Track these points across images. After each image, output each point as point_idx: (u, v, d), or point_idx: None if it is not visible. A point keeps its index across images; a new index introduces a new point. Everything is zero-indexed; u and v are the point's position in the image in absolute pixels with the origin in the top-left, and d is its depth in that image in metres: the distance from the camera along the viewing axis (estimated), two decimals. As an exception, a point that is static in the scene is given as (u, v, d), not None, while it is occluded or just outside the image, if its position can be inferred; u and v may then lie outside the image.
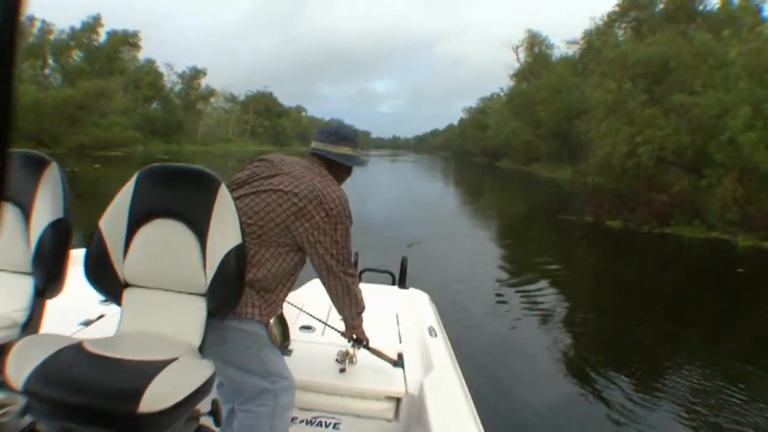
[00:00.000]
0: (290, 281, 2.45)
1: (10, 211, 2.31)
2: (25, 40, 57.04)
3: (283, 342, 2.75)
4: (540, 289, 9.22)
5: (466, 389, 2.78)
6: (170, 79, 74.30)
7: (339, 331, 2.81)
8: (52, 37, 60.19)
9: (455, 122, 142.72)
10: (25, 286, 2.29)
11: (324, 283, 2.50)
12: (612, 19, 44.52)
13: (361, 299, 2.61)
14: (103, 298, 2.43)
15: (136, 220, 2.17)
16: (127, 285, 2.21)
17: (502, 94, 75.70)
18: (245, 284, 2.25)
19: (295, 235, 2.32)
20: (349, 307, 2.59)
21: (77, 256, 2.30)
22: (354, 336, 2.74)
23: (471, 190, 36.31)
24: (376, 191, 25.32)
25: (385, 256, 10.19)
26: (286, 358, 2.67)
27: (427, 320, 3.64)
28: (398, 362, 2.93)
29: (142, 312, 2.20)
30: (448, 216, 19.90)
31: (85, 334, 2.82)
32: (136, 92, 63.05)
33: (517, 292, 9.01)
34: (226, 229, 2.12)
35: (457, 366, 3.05)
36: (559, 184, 36.30)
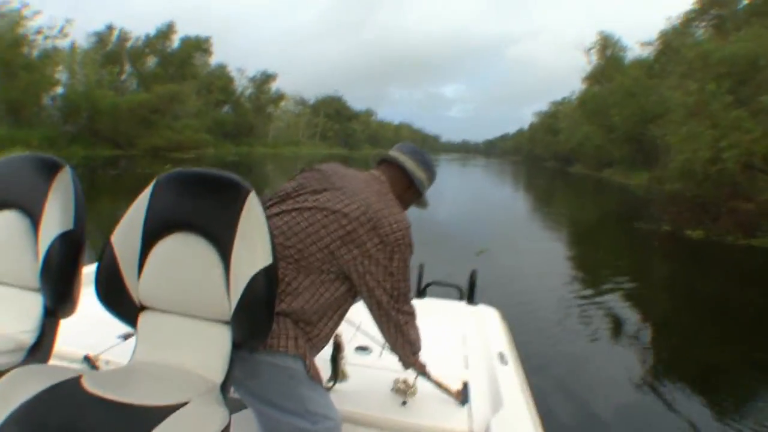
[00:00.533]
0: (337, 314, 2.09)
1: (18, 219, 2.05)
2: (105, 47, 59.57)
3: (334, 373, 2.40)
4: (616, 305, 8.59)
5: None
6: (241, 84, 75.86)
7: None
8: (128, 44, 62.37)
9: (525, 126, 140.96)
10: (34, 304, 2.01)
11: (374, 319, 2.13)
12: (689, 18, 42.79)
13: (417, 340, 2.24)
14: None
15: (152, 234, 1.84)
16: (143, 307, 1.90)
17: (573, 97, 74.32)
18: (280, 313, 1.91)
19: (341, 262, 1.97)
20: (402, 347, 2.21)
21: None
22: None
23: (542, 196, 35.28)
24: (445, 195, 24.80)
25: (453, 261, 9.89)
26: (337, 385, 2.36)
27: (498, 343, 3.23)
28: (463, 395, 2.53)
29: (159, 340, 1.87)
30: (519, 222, 19.22)
31: (110, 355, 2.56)
32: (208, 96, 64.63)
33: (591, 306, 8.41)
34: (253, 246, 1.77)
35: (531, 402, 2.64)
36: (633, 190, 34.83)
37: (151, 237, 1.84)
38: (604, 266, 11.73)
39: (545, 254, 12.78)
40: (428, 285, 3.97)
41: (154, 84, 53.98)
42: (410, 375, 2.50)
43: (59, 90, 49.11)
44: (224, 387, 1.78)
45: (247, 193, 1.77)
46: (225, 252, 1.77)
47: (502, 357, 2.99)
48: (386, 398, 2.49)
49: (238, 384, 1.95)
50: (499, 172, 68.41)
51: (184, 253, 1.81)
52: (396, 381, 2.54)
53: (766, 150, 14.51)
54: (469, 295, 3.93)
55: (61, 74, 50.84)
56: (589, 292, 9.26)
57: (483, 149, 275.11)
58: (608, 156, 54.10)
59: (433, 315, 3.61)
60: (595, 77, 60.84)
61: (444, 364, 2.66)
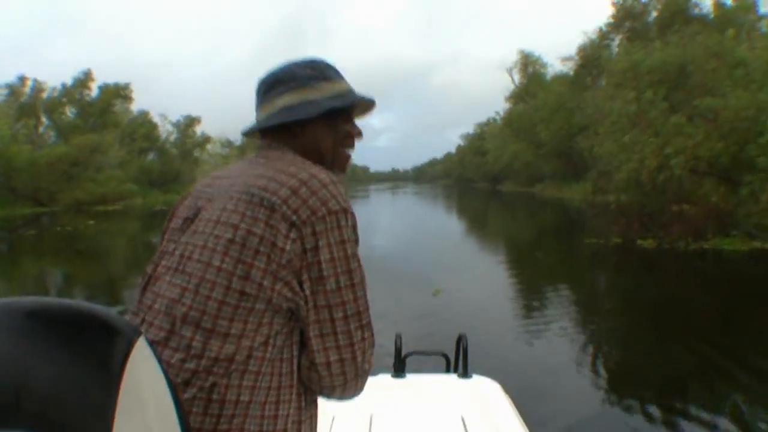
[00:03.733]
0: (308, 396, 1.25)
1: None
2: (18, 99, 57.13)
3: None
4: (590, 329, 8.18)
5: None
6: (165, 129, 73.95)
7: None
8: (44, 95, 60.17)
9: (453, 150, 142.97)
10: None
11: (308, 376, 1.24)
12: (604, 33, 44.43)
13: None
14: None
15: None
16: None
17: (498, 118, 75.88)
18: None
19: (269, 298, 1.14)
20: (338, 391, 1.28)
21: None
22: None
23: (480, 219, 35.04)
24: (380, 229, 23.80)
25: (408, 306, 9.21)
26: None
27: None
28: None
29: None
30: (465, 250, 18.59)
31: None
32: (132, 144, 62.71)
33: (570, 339, 7.88)
34: None
35: None
36: (567, 204, 35.27)
37: None
38: (571, 292, 11.25)
39: (503, 284, 12.20)
40: (407, 356, 3.20)
41: (73, 135, 51.95)
42: None
43: (-30, 148, 46.63)
44: None
45: (130, 342, 0.88)
46: None
47: None
48: None
49: None
50: (432, 197, 68.39)
51: None
52: None
53: (710, 153, 14.58)
54: (457, 364, 3.23)
55: (-29, 132, 48.44)
56: (563, 322, 8.70)
57: (412, 176, 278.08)
58: (538, 171, 55.12)
59: (419, 398, 2.89)
60: (518, 95, 62.18)
61: None
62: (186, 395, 1.10)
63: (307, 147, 1.35)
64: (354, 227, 1.21)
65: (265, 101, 1.38)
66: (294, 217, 1.14)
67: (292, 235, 1.14)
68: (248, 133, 1.43)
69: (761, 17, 29.93)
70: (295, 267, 1.14)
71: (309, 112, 1.32)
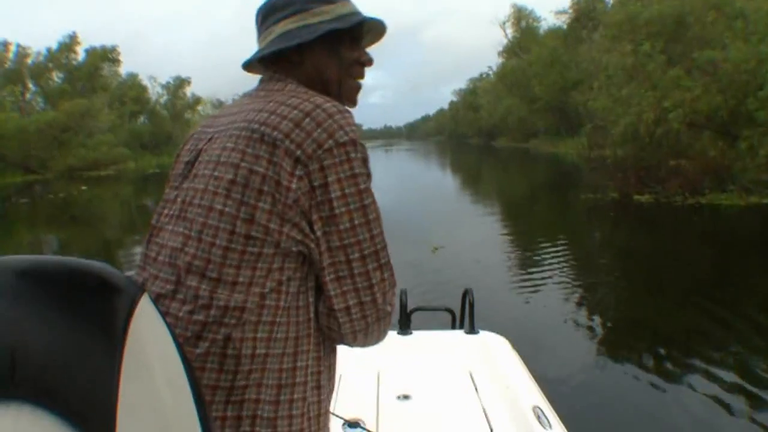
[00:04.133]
0: (327, 344, 1.18)
1: None
2: (3, 66, 56.19)
3: None
4: (595, 286, 8.20)
5: None
6: (155, 92, 73.19)
7: None
8: (29, 60, 59.19)
9: (446, 106, 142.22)
10: None
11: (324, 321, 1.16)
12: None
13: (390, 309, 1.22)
14: None
15: None
16: None
17: (491, 73, 75.39)
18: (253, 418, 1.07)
19: (276, 241, 1.06)
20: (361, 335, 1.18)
21: None
22: None
23: (475, 175, 34.96)
24: (373, 186, 23.47)
25: (410, 262, 9.18)
26: None
27: (524, 389, 2.41)
28: None
29: None
30: (462, 207, 18.50)
31: None
32: (122, 108, 62.11)
33: (569, 293, 7.88)
34: (159, 420, 0.79)
35: None
36: (562, 159, 35.08)
37: None
38: (563, 245, 11.25)
39: (501, 240, 12.18)
40: (413, 312, 3.15)
41: (61, 101, 51.31)
42: None
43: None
44: None
45: (133, 300, 0.80)
46: None
47: (540, 415, 2.20)
48: None
49: None
50: (425, 153, 68.04)
51: None
52: None
53: (708, 107, 14.44)
54: (463, 320, 3.19)
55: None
56: (568, 279, 8.69)
57: (405, 133, 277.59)
58: (532, 127, 55.01)
59: (426, 354, 2.86)
60: (512, 50, 61.63)
61: None
62: (198, 350, 1.05)
63: (311, 76, 1.25)
64: (365, 160, 1.13)
65: (263, 31, 1.29)
66: (299, 152, 1.06)
67: (298, 172, 1.06)
68: (248, 66, 1.34)
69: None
70: (304, 206, 1.07)
71: (305, 37, 1.21)
